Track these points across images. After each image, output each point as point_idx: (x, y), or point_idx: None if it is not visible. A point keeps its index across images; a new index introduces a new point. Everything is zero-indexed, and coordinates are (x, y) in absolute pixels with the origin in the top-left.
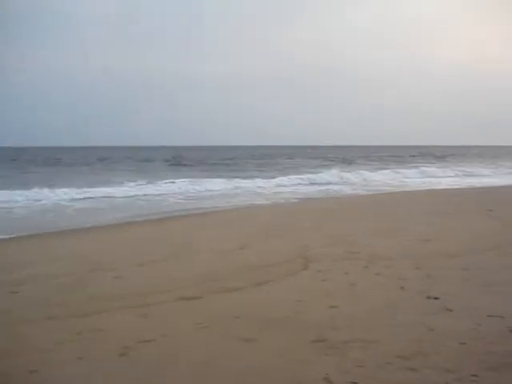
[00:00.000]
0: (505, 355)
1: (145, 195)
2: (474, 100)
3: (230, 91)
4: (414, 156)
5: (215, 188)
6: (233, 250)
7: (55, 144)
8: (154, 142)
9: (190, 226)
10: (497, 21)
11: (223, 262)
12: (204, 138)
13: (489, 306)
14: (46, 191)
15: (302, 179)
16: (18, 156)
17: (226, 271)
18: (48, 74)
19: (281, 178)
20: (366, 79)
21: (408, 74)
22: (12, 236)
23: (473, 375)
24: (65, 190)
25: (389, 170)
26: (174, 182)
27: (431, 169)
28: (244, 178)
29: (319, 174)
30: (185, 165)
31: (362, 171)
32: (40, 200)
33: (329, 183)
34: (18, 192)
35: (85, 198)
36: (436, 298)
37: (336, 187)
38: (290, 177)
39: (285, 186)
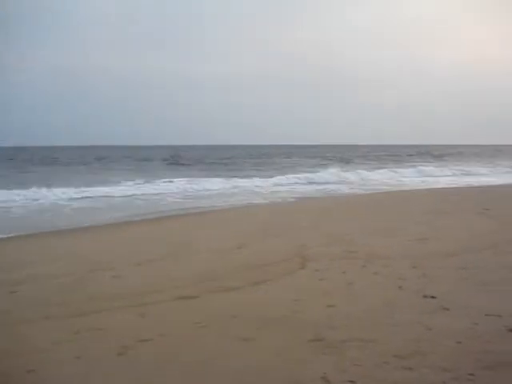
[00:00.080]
0: (502, 354)
1: (143, 194)
2: (474, 100)
3: (230, 91)
4: (411, 155)
5: (213, 187)
6: (231, 249)
7: (55, 144)
8: (153, 141)
9: (188, 226)
10: (497, 21)
11: (221, 261)
12: (203, 138)
13: (486, 305)
14: (43, 191)
15: (299, 178)
16: (15, 155)
17: (223, 270)
18: (48, 73)
19: (279, 177)
20: (365, 79)
21: (407, 74)
22: (10, 235)
23: (470, 374)
24: (63, 189)
25: (386, 169)
26: (171, 182)
27: (429, 168)
28: (242, 177)
29: (317, 173)
30: (183, 164)
31: (359, 170)
32: (38, 199)
33: (326, 182)
34: (16, 191)
35: (83, 198)
36: (433, 297)
37: (334, 186)
38: (287, 176)
39: (282, 185)
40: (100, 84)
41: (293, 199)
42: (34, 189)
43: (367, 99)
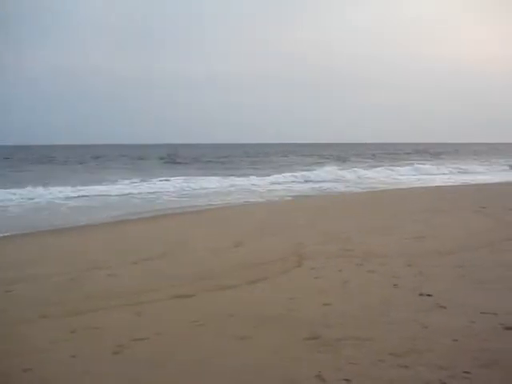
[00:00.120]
0: (498, 352)
1: (139, 193)
2: (472, 99)
3: (230, 91)
4: (408, 153)
5: (210, 186)
6: (227, 247)
7: (55, 143)
8: (151, 140)
9: (185, 224)
10: (497, 21)
11: (218, 259)
12: (202, 137)
13: (482, 303)
14: (40, 189)
15: (296, 177)
16: (12, 154)
17: (220, 269)
18: (48, 73)
19: (275, 175)
20: (365, 78)
21: (407, 74)
22: (6, 234)
23: (466, 372)
24: (59, 188)
25: (383, 168)
26: (168, 180)
27: (426, 166)
28: (239, 175)
29: (314, 172)
30: (179, 163)
31: (356, 169)
32: (34, 198)
33: (323, 181)
34: (12, 190)
35: (79, 196)
36: (429, 295)
37: (330, 185)
38: (284, 174)
39: (279, 183)
40: (100, 84)
41: (289, 198)
42: (29, 188)
43: (366, 99)
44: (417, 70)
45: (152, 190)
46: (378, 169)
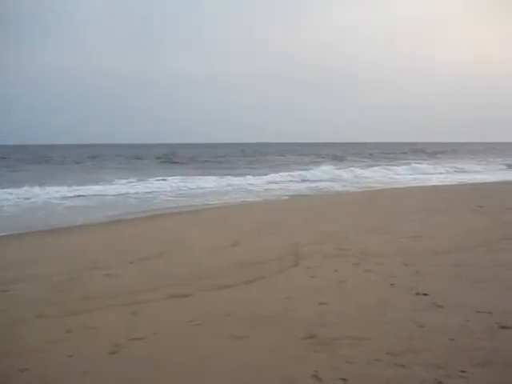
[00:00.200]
0: (493, 351)
1: (136, 193)
2: (470, 99)
3: (230, 91)
4: (405, 153)
5: (207, 185)
6: (224, 247)
7: (55, 142)
8: (151, 139)
9: (182, 224)
10: (497, 21)
11: (214, 259)
12: (201, 136)
13: (478, 302)
14: (36, 189)
15: (293, 176)
16: (9, 154)
17: (217, 269)
18: (48, 73)
19: (272, 175)
20: (364, 79)
21: (407, 74)
22: (2, 234)
23: (462, 371)
24: (56, 187)
25: (380, 167)
26: (165, 180)
27: (422, 165)
28: (236, 175)
29: (310, 171)
30: (176, 162)
31: (353, 168)
32: (30, 198)
33: (320, 180)
34: (9, 190)
35: (76, 196)
36: (426, 295)
37: (327, 184)
38: (281, 174)
39: (276, 183)
40: (100, 84)
41: (286, 197)
42: (26, 187)
43: (366, 98)
44: (415, 69)
45: (149, 190)
46: (375, 168)
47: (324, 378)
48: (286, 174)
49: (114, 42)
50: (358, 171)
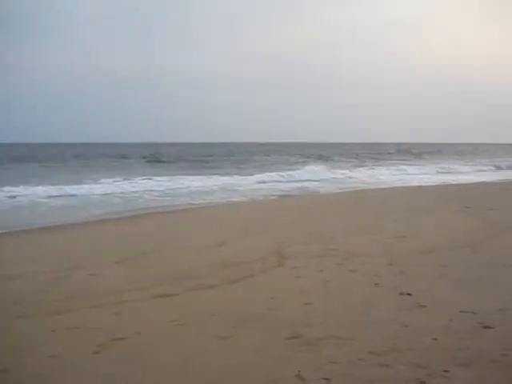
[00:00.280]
0: (476, 351)
1: (121, 192)
2: (457, 100)
3: (229, 91)
4: (390, 153)
5: (193, 185)
6: (210, 247)
7: (54, 141)
8: (136, 139)
9: (168, 223)
10: (484, 22)
11: (200, 259)
12: (185, 136)
13: (462, 302)
14: (21, 188)
15: (280, 176)
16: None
17: (202, 268)
18: (48, 73)
19: (259, 175)
20: (351, 80)
21: (394, 75)
22: None
23: (445, 371)
24: (41, 187)
25: (366, 167)
26: (151, 179)
27: (408, 166)
28: (222, 174)
29: (297, 171)
30: (163, 161)
31: (339, 168)
32: (14, 197)
33: (306, 180)
34: None
35: (61, 195)
36: (409, 295)
37: (313, 184)
38: (268, 174)
39: (263, 182)
40: (100, 84)
41: (273, 197)
42: (8, 187)
43: (351, 99)
44: (399, 70)
45: (134, 189)
46: (361, 168)
47: (307, 377)
48: (273, 173)
49: (114, 42)
50: (344, 171)
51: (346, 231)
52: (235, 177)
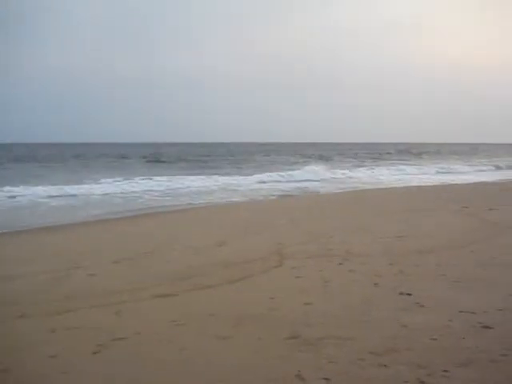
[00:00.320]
0: (476, 351)
1: (121, 192)
2: (457, 100)
3: (230, 91)
4: (390, 153)
5: (193, 185)
6: (210, 246)
7: (53, 141)
8: (137, 139)
9: (167, 223)
10: (497, 21)
11: (200, 259)
12: (185, 136)
13: (461, 302)
14: (20, 188)
15: (280, 176)
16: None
17: (202, 268)
18: (48, 73)
19: (259, 175)
20: (351, 80)
21: (394, 75)
22: None
23: (444, 371)
24: (41, 187)
25: (365, 167)
26: (151, 179)
27: (408, 166)
28: (222, 174)
29: (297, 171)
30: (163, 161)
31: (339, 168)
32: (14, 197)
33: (306, 180)
34: None
35: (61, 195)
36: (409, 294)
37: (313, 184)
38: (268, 174)
39: (263, 182)
40: (100, 84)
41: (273, 197)
42: (8, 187)
43: (352, 100)
44: (399, 71)
45: (135, 189)
46: (361, 168)
47: (307, 377)
48: (273, 173)
49: (114, 42)
50: (344, 171)
51: (346, 231)
52: (235, 177)
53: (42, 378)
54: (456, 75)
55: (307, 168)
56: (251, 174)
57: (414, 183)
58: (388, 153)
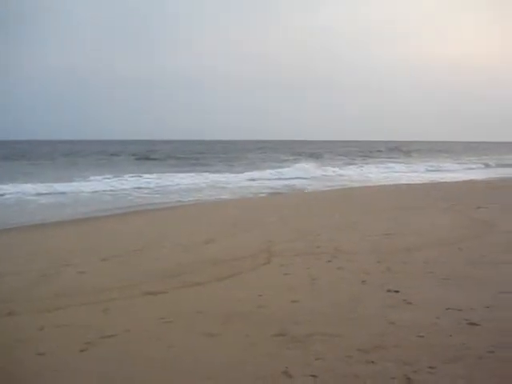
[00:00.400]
0: (462, 348)
1: (111, 190)
2: (444, 98)
3: (231, 91)
4: (380, 151)
5: (183, 182)
6: (198, 244)
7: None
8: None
9: (157, 221)
10: (497, 21)
11: (188, 256)
12: (176, 133)
13: (448, 300)
14: (9, 186)
15: (270, 174)
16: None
17: (191, 266)
18: (48, 73)
19: (249, 172)
20: (341, 79)
21: (382, 74)
22: None
23: (431, 367)
24: (30, 184)
25: (355, 165)
26: (140, 176)
27: (397, 164)
28: (213, 172)
29: (287, 169)
30: (154, 159)
31: (329, 166)
32: (3, 195)
33: (296, 178)
34: None
35: (50, 193)
36: (396, 292)
37: (303, 182)
38: (258, 171)
39: (253, 180)
40: (100, 84)
41: (263, 194)
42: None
43: (342, 98)
44: (389, 70)
45: (124, 187)
46: (351, 166)
47: (294, 374)
48: (263, 171)
49: (114, 42)
50: (334, 169)
51: (335, 229)
52: (225, 174)
53: (30, 376)
54: (456, 75)
55: (297, 166)
56: (242, 172)
57: (403, 181)
58: (378, 150)
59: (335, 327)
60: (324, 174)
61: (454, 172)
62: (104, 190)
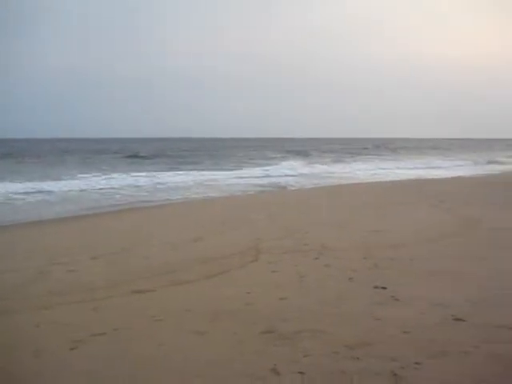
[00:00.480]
0: (448, 343)
1: (99, 188)
2: (433, 95)
3: (230, 91)
4: (367, 148)
5: (171, 180)
6: (187, 242)
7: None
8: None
9: (145, 219)
10: (497, 21)
11: (177, 254)
12: (166, 131)
13: (434, 295)
14: None
15: (258, 171)
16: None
17: (179, 264)
18: (48, 73)
19: (238, 170)
20: (326, 77)
21: (393, 75)
22: None
23: (416, 363)
24: (17, 183)
25: (342, 162)
26: (129, 174)
27: (384, 161)
28: (201, 170)
29: (275, 167)
30: (142, 157)
31: (316, 163)
32: None
33: (284, 175)
34: None
35: (37, 191)
36: (384, 288)
37: (291, 179)
38: (246, 169)
39: (241, 178)
40: (100, 84)
41: (250, 192)
42: None
43: (327, 98)
44: (398, 71)
45: (112, 185)
46: (338, 163)
47: (282, 371)
48: (251, 169)
49: (114, 42)
50: (322, 166)
51: (322, 226)
52: (213, 172)
53: (18, 375)
54: (456, 75)
55: (285, 163)
56: (230, 170)
57: (391, 178)
58: (365, 148)
59: (322, 324)
60: (313, 171)
61: (442, 169)
62: (92, 189)
